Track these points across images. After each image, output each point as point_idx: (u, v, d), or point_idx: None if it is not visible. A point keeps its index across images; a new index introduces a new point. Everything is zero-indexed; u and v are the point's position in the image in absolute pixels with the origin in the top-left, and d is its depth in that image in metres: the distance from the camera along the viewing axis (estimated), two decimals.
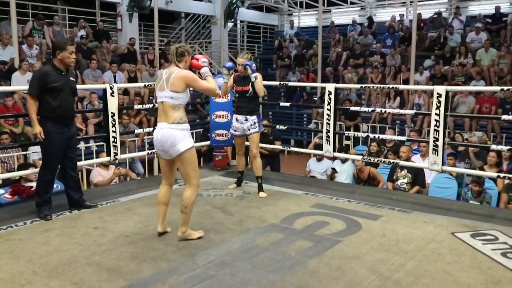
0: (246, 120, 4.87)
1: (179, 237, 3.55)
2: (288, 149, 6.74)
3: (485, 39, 11.63)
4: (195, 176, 3.50)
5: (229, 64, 4.92)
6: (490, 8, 13.27)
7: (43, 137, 4.00)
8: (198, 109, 11.39)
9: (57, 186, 5.18)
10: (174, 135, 3.37)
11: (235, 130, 5.00)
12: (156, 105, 3.58)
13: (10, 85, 8.51)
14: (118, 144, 5.20)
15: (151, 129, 6.69)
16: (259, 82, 4.78)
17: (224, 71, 4.88)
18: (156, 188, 5.04)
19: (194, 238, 3.56)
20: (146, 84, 7.12)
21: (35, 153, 6.93)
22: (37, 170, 4.73)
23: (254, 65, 4.77)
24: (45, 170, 4.15)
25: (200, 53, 14.11)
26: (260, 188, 4.89)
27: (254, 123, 4.87)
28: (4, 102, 7.87)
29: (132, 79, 10.42)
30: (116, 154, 5.19)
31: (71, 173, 4.29)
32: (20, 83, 8.43)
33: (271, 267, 3.08)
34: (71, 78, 4.18)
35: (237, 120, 4.96)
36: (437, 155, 4.67)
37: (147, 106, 7.10)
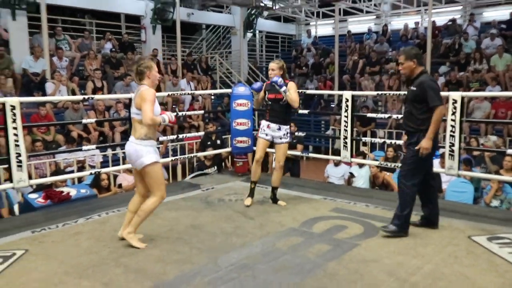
0: (279, 129, 4.62)
1: (119, 236, 3.58)
2: (307, 155, 6.74)
3: (499, 45, 11.45)
4: (159, 188, 3.52)
5: (257, 86, 4.76)
6: (505, 14, 13.08)
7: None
8: (219, 116, 11.47)
9: (86, 191, 5.31)
10: (137, 150, 3.43)
11: (266, 135, 4.66)
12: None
13: (42, 95, 8.73)
14: None
15: (175, 136, 6.80)
16: (292, 93, 4.53)
17: (254, 94, 4.78)
18: (180, 193, 5.15)
19: (132, 244, 3.50)
20: (169, 93, 7.22)
21: (65, 159, 7.09)
22: (68, 175, 4.80)
23: (280, 79, 4.49)
24: None
25: (221, 63, 14.25)
26: (275, 200, 4.74)
27: (287, 133, 4.64)
28: (38, 112, 8.07)
29: (156, 88, 10.55)
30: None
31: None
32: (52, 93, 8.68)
33: (291, 270, 3.09)
34: None
35: (268, 127, 4.65)
36: (453, 160, 4.61)
37: None
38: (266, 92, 4.72)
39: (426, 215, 3.92)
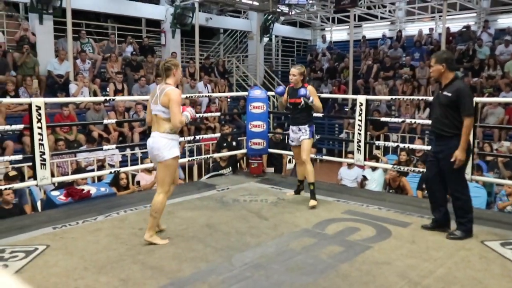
0: (299, 130, 4.74)
1: (145, 240, 3.52)
2: (321, 157, 6.71)
3: None
4: (168, 183, 3.58)
5: (280, 89, 4.88)
6: None
7: None
8: (235, 119, 11.49)
9: (106, 189, 5.35)
10: (163, 142, 3.49)
11: (292, 141, 4.87)
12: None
13: (65, 96, 8.85)
14: None
15: (192, 137, 6.83)
16: (316, 101, 4.65)
17: (278, 96, 4.90)
18: (196, 193, 5.16)
19: (156, 243, 3.52)
20: (187, 95, 7.25)
21: (86, 158, 7.17)
22: (89, 174, 4.83)
23: (308, 93, 4.58)
24: None
25: (237, 67, 14.23)
26: (312, 195, 4.64)
27: (306, 130, 4.72)
28: (61, 112, 8.18)
29: None
30: None
31: None
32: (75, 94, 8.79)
33: (304, 270, 3.06)
34: None
35: (292, 131, 4.82)
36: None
37: None
38: (288, 97, 4.82)
39: (438, 218, 3.86)
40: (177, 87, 3.65)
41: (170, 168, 3.55)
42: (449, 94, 3.61)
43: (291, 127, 4.85)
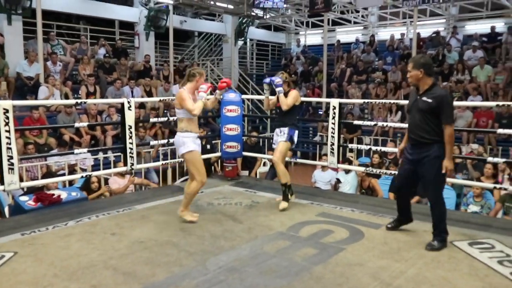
0: (280, 132, 4.79)
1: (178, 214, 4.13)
2: (295, 160, 6.73)
3: (480, 57, 11.61)
4: (197, 173, 4.07)
5: (267, 80, 4.85)
6: (486, 28, 13.28)
7: None
8: (209, 122, 11.43)
9: (77, 194, 5.24)
10: (179, 140, 4.09)
11: (274, 144, 4.91)
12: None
13: (35, 98, 8.64)
14: (135, 155, 5.22)
15: (166, 141, 6.76)
16: (286, 98, 4.70)
17: (264, 86, 4.90)
18: (170, 196, 5.11)
19: (187, 219, 4.10)
20: (161, 98, 7.18)
21: (57, 162, 7.01)
22: (59, 178, 4.72)
23: (278, 79, 4.66)
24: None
25: (212, 70, 14.23)
26: (284, 197, 4.66)
27: (284, 133, 4.74)
28: (31, 115, 7.97)
29: (148, 94, 10.53)
30: (132, 164, 5.22)
31: None
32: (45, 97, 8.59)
33: (278, 273, 3.07)
34: None
35: (276, 133, 4.87)
36: None
37: (162, 119, 7.13)
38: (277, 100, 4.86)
39: (401, 218, 3.95)
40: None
41: (189, 161, 4.09)
42: (430, 100, 3.51)
43: (275, 129, 4.90)
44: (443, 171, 3.51)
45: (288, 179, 4.71)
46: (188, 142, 4.04)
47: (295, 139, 4.83)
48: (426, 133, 3.56)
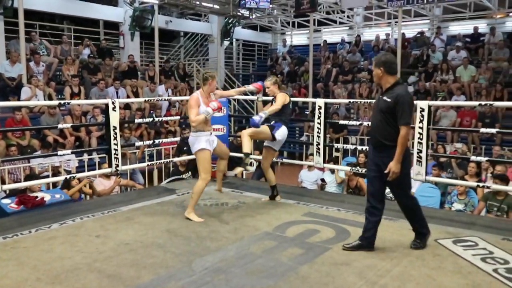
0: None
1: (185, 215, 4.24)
2: (281, 160, 6.74)
3: (464, 57, 11.77)
4: (203, 171, 4.26)
5: (256, 121, 4.60)
6: (469, 29, 13.46)
7: None
8: None
9: (61, 196, 5.17)
10: (192, 140, 4.33)
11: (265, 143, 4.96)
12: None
13: (18, 99, 8.50)
14: (120, 156, 5.17)
15: (151, 142, 6.72)
16: (277, 101, 4.71)
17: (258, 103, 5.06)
18: (156, 197, 5.08)
19: (193, 220, 4.18)
20: (147, 99, 7.13)
21: (40, 164, 6.91)
22: (42, 180, 4.65)
23: (259, 118, 4.50)
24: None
25: (198, 70, 14.17)
26: (243, 165, 4.70)
27: (265, 119, 4.58)
28: (13, 116, 7.84)
29: (134, 94, 10.44)
30: (117, 165, 5.16)
31: None
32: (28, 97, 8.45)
33: (265, 273, 3.07)
34: None
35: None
36: (421, 165, 4.69)
37: (147, 120, 7.07)
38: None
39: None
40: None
41: (199, 160, 4.27)
42: (389, 100, 3.34)
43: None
44: (386, 171, 3.33)
45: (248, 150, 4.64)
46: (199, 141, 4.25)
47: (278, 133, 4.69)
48: (388, 134, 3.36)
